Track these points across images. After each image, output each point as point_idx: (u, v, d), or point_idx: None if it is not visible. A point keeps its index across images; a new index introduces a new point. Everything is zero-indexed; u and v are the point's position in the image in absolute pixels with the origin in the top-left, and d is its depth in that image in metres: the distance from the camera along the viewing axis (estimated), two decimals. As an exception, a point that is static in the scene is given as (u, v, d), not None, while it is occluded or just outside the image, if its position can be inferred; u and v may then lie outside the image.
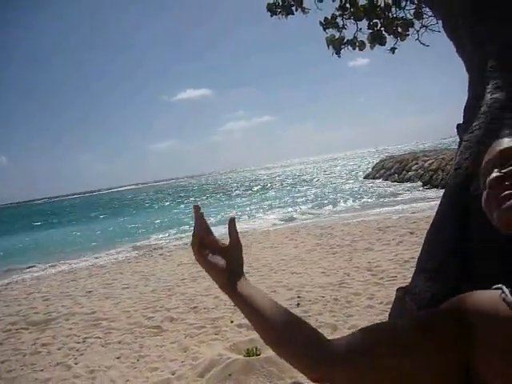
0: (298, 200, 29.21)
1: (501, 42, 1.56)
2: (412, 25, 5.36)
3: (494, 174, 0.95)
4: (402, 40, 5.61)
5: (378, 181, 31.72)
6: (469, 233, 1.09)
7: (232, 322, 6.15)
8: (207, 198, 45.77)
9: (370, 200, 22.22)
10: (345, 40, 5.81)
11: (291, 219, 19.35)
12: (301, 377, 4.37)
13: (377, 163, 37.96)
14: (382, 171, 33.26)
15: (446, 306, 0.94)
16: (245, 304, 1.01)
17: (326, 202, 25.19)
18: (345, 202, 23.42)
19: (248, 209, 28.18)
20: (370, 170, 38.34)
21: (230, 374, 4.56)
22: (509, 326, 0.84)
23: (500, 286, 0.91)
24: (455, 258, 1.09)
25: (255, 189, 49.64)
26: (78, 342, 6.36)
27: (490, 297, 0.90)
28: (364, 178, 36.82)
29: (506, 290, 0.89)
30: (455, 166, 1.33)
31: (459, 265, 1.08)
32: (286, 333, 0.96)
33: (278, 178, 72.04)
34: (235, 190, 53.10)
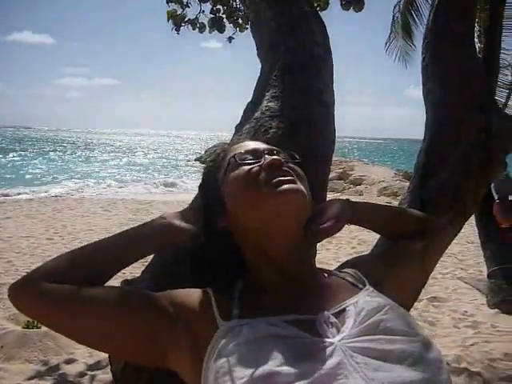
0: (127, 171, 28.46)
1: (289, 54, 1.62)
2: (252, 20, 5.47)
3: (275, 156, 0.97)
4: (241, 31, 5.70)
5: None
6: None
7: (19, 290, 5.69)
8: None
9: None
10: (186, 18, 5.73)
11: (113, 189, 18.74)
12: (79, 353, 4.23)
13: (210, 147, 38.60)
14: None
15: (164, 295, 0.96)
16: None
17: (157, 177, 24.92)
18: (174, 179, 23.41)
19: (71, 173, 26.61)
20: (203, 153, 38.84)
21: (1, 346, 4.23)
22: (207, 326, 0.88)
23: (207, 288, 0.97)
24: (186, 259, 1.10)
25: (89, 154, 46.64)
26: None
27: (198, 296, 0.96)
28: (195, 160, 37.19)
29: (211, 292, 0.95)
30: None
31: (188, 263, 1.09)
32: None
33: (115, 145, 69.35)
34: (68, 151, 49.58)
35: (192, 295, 0.96)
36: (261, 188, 0.93)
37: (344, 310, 0.89)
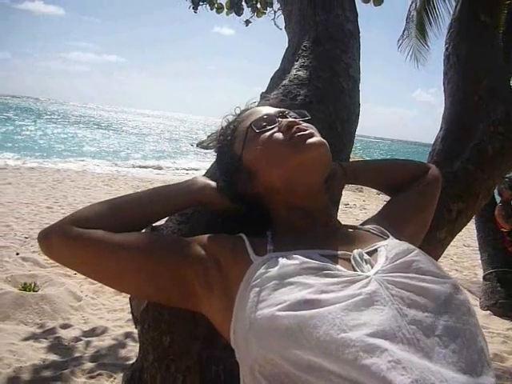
0: (134, 151, 28.40)
1: (320, 27, 1.62)
2: (271, 5, 5.45)
3: (289, 118, 1.01)
4: (259, 16, 5.69)
5: (210, 150, 32.09)
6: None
7: (18, 254, 5.70)
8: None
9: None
10: (205, -3, 5.70)
11: (115, 166, 18.70)
12: (75, 319, 4.27)
13: (213, 133, 38.41)
14: (215, 142, 33.69)
15: (194, 239, 0.99)
16: None
17: (164, 158, 24.94)
18: (174, 161, 23.40)
19: (75, 147, 26.49)
20: (206, 137, 38.68)
21: (-2, 304, 4.25)
22: (240, 264, 0.89)
23: (241, 234, 0.99)
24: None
25: (98, 130, 45.85)
26: None
27: (230, 239, 0.98)
28: (197, 145, 37.06)
29: (243, 235, 0.98)
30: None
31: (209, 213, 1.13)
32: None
33: (124, 123, 69.12)
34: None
35: (224, 238, 0.99)
36: (288, 147, 0.97)
37: (375, 250, 0.92)
